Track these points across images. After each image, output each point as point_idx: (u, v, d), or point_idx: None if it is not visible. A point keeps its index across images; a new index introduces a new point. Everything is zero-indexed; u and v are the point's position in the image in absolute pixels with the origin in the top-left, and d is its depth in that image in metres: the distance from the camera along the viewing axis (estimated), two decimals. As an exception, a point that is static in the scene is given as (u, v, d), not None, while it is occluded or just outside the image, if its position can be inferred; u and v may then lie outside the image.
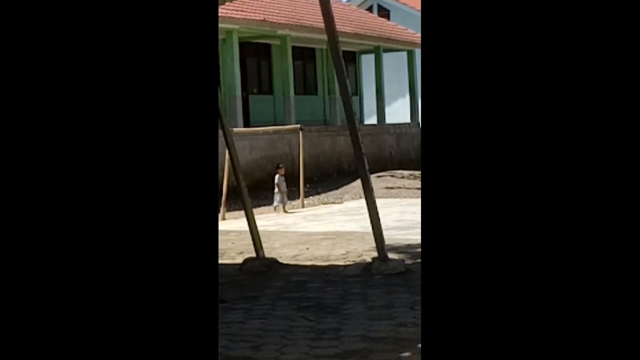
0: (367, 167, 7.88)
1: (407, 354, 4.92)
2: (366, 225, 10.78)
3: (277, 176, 14.90)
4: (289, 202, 15.68)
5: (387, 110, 24.99)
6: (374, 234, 7.92)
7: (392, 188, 17.85)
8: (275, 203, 14.75)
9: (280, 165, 15.52)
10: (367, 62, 25.93)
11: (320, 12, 7.90)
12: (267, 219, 13.12)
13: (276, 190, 14.78)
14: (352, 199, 16.77)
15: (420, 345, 5.07)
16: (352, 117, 7.86)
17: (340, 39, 8.00)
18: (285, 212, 14.43)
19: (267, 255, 8.61)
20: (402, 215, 12.90)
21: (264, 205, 14.93)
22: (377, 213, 7.90)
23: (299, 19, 20.90)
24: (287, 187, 15.75)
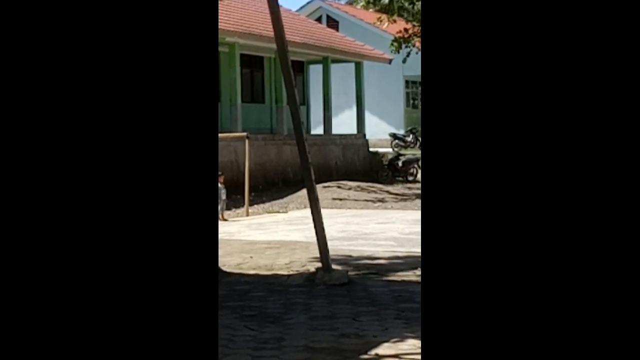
0: (313, 177, 7.89)
1: (349, 364, 4.92)
2: (310, 235, 10.78)
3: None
4: (233, 210, 15.61)
5: (334, 120, 25.08)
6: (319, 244, 7.93)
7: (339, 199, 17.89)
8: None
9: (219, 173, 15.42)
10: (315, 72, 26.00)
11: (269, 20, 7.90)
12: (211, 227, 13.01)
13: (217, 198, 14.73)
14: (297, 208, 16.77)
15: (362, 357, 5.11)
16: (300, 126, 7.87)
17: (289, 48, 8.00)
18: (224, 219, 14.35)
19: (210, 263, 8.54)
20: (347, 226, 12.94)
21: (208, 212, 14.79)
22: (322, 223, 7.92)
23: (248, 27, 20.86)
24: (232, 195, 15.69)
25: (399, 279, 8.03)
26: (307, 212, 14.57)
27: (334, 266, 7.98)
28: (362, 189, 19.58)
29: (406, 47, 21.00)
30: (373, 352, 5.21)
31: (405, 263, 9.08)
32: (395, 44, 21.14)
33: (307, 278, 7.85)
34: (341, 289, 7.37)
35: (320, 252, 7.90)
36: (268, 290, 7.43)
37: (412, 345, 5.40)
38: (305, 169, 7.93)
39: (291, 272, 8.42)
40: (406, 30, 20.95)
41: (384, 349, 5.28)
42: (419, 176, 23.38)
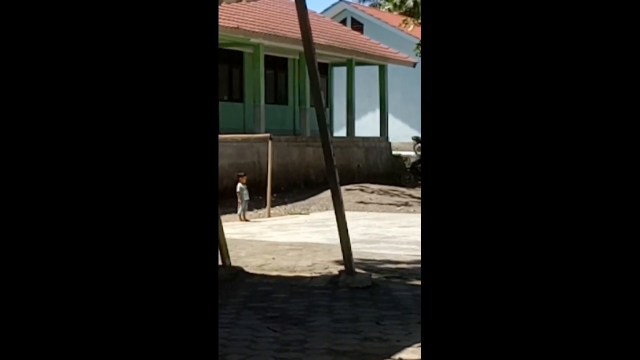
0: (337, 179, 7.86)
1: (372, 368, 4.90)
2: (332, 237, 10.76)
3: (238, 185, 14.86)
4: (255, 211, 15.61)
5: (357, 123, 25.05)
6: (342, 247, 7.90)
7: (363, 203, 17.86)
8: (239, 211, 14.70)
9: (241, 174, 15.43)
10: (338, 75, 25.99)
11: (294, 22, 7.89)
12: (233, 227, 13.04)
13: (239, 199, 14.74)
14: (319, 210, 16.76)
15: (385, 361, 5.08)
16: (326, 128, 7.84)
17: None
18: (245, 220, 14.35)
19: (233, 263, 8.55)
20: (369, 229, 12.91)
21: (229, 213, 14.85)
22: (346, 226, 7.89)
23: (273, 29, 20.88)
24: (254, 196, 15.69)
25: (422, 283, 7.97)
26: (329, 214, 14.57)
27: (356, 269, 7.95)
28: (385, 192, 19.54)
29: (431, 50, 20.93)
30: (397, 356, 5.17)
31: (428, 267, 9.01)
32: (420, 47, 21.08)
33: (330, 280, 7.82)
34: (364, 292, 7.34)
35: (344, 255, 7.87)
36: (290, 292, 7.42)
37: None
38: (330, 171, 7.90)
39: (314, 274, 8.40)
40: (431, 33, 20.87)
41: (407, 354, 5.24)
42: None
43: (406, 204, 18.05)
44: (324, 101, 7.92)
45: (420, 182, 22.67)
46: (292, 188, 19.63)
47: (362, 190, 19.56)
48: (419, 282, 8.05)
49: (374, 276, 8.13)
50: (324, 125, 7.83)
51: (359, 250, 9.62)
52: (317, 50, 7.73)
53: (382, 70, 25.63)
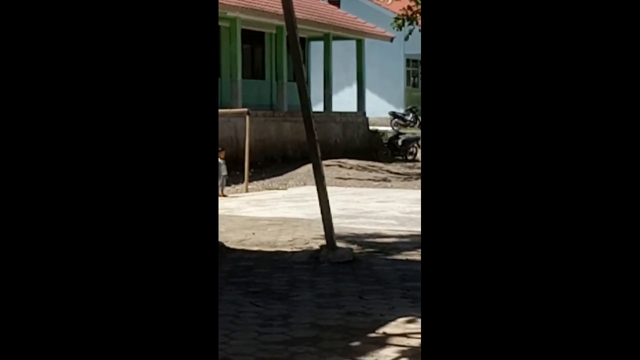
0: (319, 154, 7.84)
1: (356, 343, 4.91)
2: (310, 212, 10.76)
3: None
4: (233, 186, 15.56)
5: (334, 98, 24.98)
6: (324, 222, 7.90)
7: (342, 178, 17.85)
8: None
9: (219, 149, 15.35)
10: (315, 49, 25.87)
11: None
12: (212, 202, 12.97)
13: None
14: (297, 185, 16.74)
15: (370, 335, 5.09)
16: (307, 103, 7.81)
17: (296, 24, 7.92)
18: (223, 195, 14.30)
19: (213, 238, 8.51)
20: (347, 204, 12.92)
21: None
22: (328, 201, 7.88)
23: (250, 2, 20.71)
24: (231, 171, 15.63)
25: (403, 257, 8.01)
26: (306, 189, 14.57)
27: (337, 244, 7.95)
28: (363, 168, 19.55)
29: (409, 24, 20.86)
30: (381, 330, 5.19)
31: (409, 242, 9.06)
32: (398, 21, 21.00)
33: (312, 255, 7.82)
34: (346, 267, 7.35)
35: (325, 230, 7.87)
36: (272, 267, 7.41)
37: (420, 324, 5.38)
38: (311, 145, 7.88)
39: (295, 249, 8.40)
40: (410, 8, 20.80)
41: (391, 328, 5.26)
42: (418, 155, 23.36)
43: (385, 180, 18.08)
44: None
45: (397, 157, 22.73)
46: (270, 163, 19.58)
47: (340, 165, 19.55)
48: (399, 257, 8.08)
49: (355, 251, 8.14)
50: (306, 99, 7.80)
51: (338, 225, 9.60)
52: (297, 24, 7.65)
53: (360, 45, 25.55)
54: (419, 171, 20.04)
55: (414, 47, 26.67)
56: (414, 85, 33.42)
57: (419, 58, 32.33)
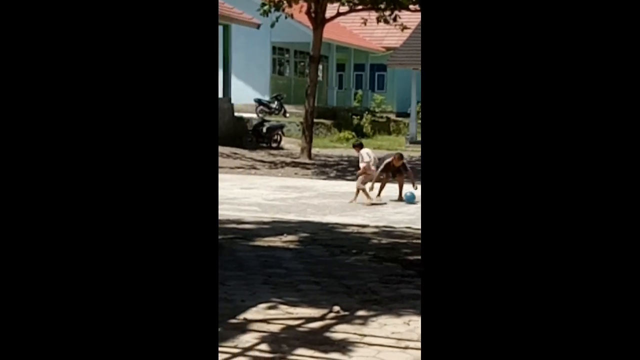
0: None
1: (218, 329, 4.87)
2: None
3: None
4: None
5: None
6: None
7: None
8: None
9: None
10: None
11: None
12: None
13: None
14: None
15: (231, 321, 5.06)
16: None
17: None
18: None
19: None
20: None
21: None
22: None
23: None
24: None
25: (266, 244, 8.02)
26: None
27: (200, 230, 7.86)
28: (228, 155, 19.43)
29: (275, 11, 20.86)
30: (242, 316, 5.18)
31: (271, 229, 9.09)
32: (265, 7, 20.96)
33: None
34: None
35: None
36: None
37: (280, 310, 5.41)
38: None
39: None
40: (276, -6, 20.81)
41: (252, 314, 5.26)
42: (282, 143, 23.48)
43: (253, 167, 18.04)
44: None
45: (261, 144, 22.74)
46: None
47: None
48: (262, 243, 8.08)
49: (218, 237, 8.08)
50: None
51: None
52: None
53: (227, 31, 25.33)
54: (283, 159, 20.15)
55: (280, 35, 26.76)
56: (280, 73, 33.51)
57: (285, 46, 32.47)
